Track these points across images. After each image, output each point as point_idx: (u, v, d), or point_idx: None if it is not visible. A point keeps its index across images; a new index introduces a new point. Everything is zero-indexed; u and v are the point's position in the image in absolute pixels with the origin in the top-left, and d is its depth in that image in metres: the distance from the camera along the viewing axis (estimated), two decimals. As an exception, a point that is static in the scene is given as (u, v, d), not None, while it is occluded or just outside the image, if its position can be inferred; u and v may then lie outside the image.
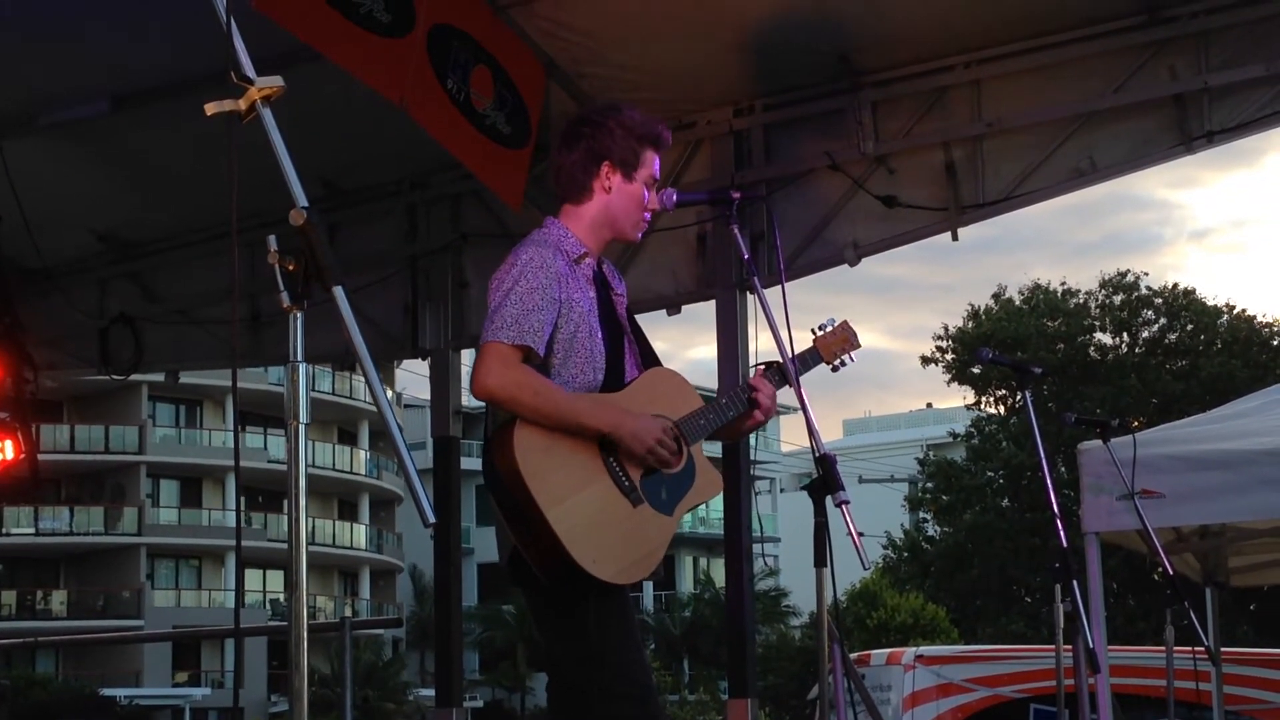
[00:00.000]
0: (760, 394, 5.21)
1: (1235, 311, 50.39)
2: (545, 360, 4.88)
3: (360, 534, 65.41)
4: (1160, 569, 8.11)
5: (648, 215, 5.21)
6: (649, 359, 5.23)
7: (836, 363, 5.56)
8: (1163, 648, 11.19)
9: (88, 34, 8.56)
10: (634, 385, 5.07)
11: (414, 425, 53.40)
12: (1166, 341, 50.36)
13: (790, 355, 5.23)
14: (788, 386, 5.34)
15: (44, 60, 8.85)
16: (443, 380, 10.46)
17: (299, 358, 3.17)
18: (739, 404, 5.21)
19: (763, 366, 5.36)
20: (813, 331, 5.54)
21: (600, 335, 5.01)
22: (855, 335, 5.60)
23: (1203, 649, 8.91)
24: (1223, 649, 12.56)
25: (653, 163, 5.18)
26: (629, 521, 4.82)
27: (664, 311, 9.80)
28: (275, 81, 3.21)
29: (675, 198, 5.31)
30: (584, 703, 4.85)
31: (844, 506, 4.97)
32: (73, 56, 8.81)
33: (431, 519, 3.12)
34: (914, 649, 19.85)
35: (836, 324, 5.58)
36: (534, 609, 4.99)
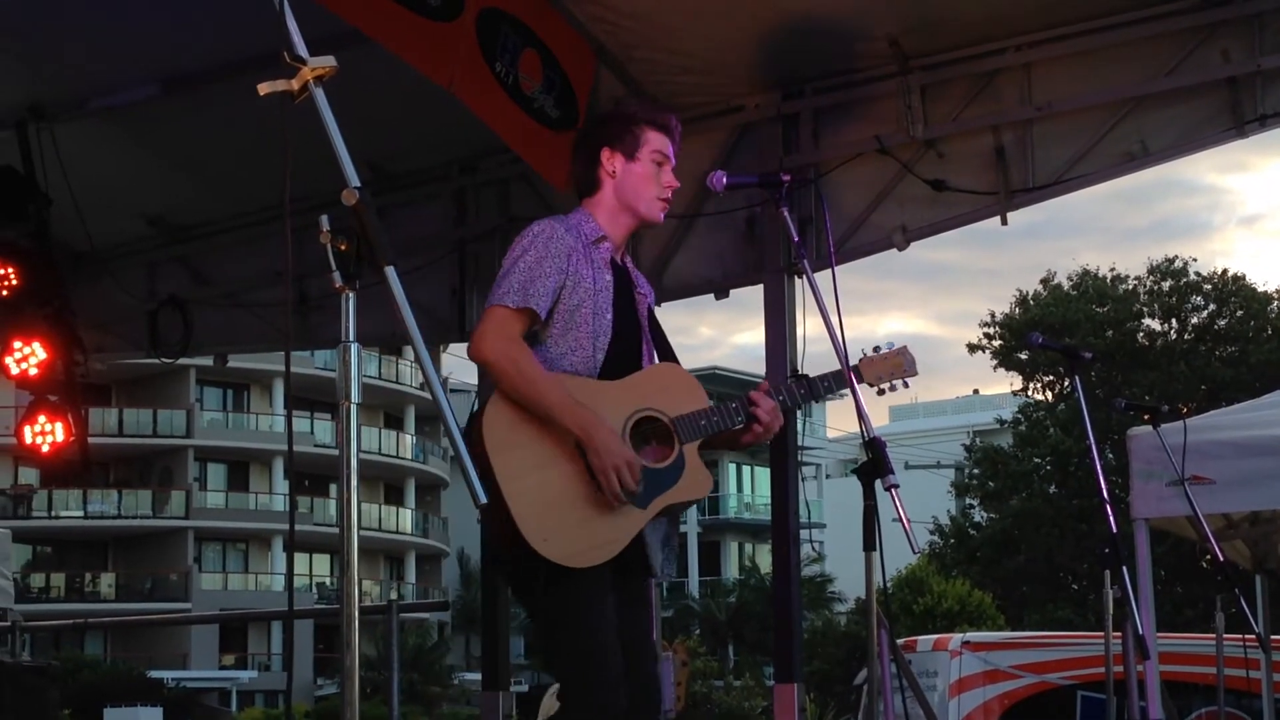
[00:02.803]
0: (759, 409, 5.13)
1: (1286, 298, 50.13)
2: (544, 328, 4.93)
3: (406, 518, 65.65)
4: (1209, 556, 8.08)
5: (667, 194, 5.22)
6: (668, 360, 5.25)
7: (884, 386, 5.44)
8: (1212, 635, 11.16)
9: (138, 17, 8.58)
10: (638, 376, 5.07)
11: (461, 410, 53.18)
12: (1216, 328, 50.10)
13: (841, 340, 5.20)
14: (814, 401, 5.33)
15: (95, 44, 8.89)
16: (490, 364, 10.46)
17: (351, 338, 3.18)
18: (735, 415, 5.13)
19: (790, 379, 5.33)
20: (862, 351, 5.46)
21: (610, 317, 5.03)
22: (913, 363, 5.48)
23: (1253, 636, 8.88)
24: (1273, 637, 12.50)
25: (658, 141, 5.20)
26: (592, 507, 4.79)
27: (711, 295, 9.80)
28: (328, 61, 3.22)
29: (725, 180, 5.31)
30: (563, 689, 4.89)
31: (894, 490, 4.94)
32: (123, 40, 8.83)
33: (483, 498, 3.13)
34: (961, 635, 19.80)
35: (894, 348, 5.49)
36: (514, 594, 5.06)
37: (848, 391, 5.25)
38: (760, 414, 5.12)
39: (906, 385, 5.48)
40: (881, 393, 5.46)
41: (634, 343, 5.12)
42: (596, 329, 4.99)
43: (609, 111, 5.37)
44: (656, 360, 5.20)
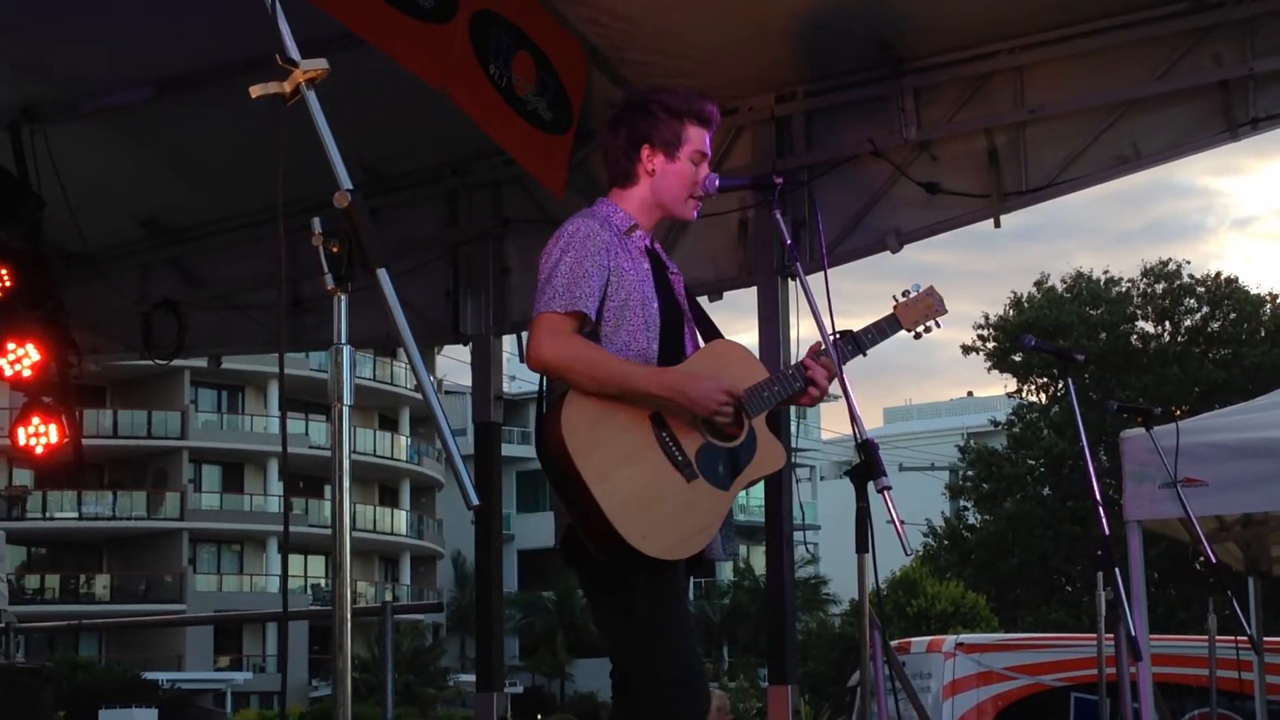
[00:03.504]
0: (814, 373, 5.14)
1: (1278, 300, 50.14)
2: (596, 328, 4.89)
3: (401, 520, 65.59)
4: (1202, 558, 8.08)
5: (700, 191, 5.19)
6: (711, 336, 5.22)
7: (920, 329, 5.49)
8: (1205, 637, 11.16)
9: (131, 19, 8.58)
10: (696, 357, 5.07)
11: (455, 411, 53.48)
12: (1209, 330, 50.14)
13: (834, 342, 5.19)
14: (862, 355, 5.32)
15: (87, 46, 8.89)
16: (484, 366, 10.48)
17: (343, 340, 3.18)
18: (794, 381, 5.14)
19: (835, 337, 5.24)
20: (894, 298, 5.50)
21: (656, 305, 5.01)
22: (941, 301, 5.54)
23: (1245, 638, 8.89)
24: (1265, 638, 12.50)
25: (699, 139, 5.18)
26: (681, 496, 4.79)
27: (705, 298, 9.79)
28: (320, 64, 3.22)
29: (718, 183, 5.30)
30: (631, 686, 4.83)
31: (886, 492, 4.94)
32: (116, 42, 8.84)
33: (475, 501, 3.13)
34: (954, 637, 19.81)
35: (921, 289, 5.52)
36: (586, 589, 5.00)
37: (841, 395, 5.24)
38: (816, 376, 5.14)
39: (939, 325, 5.53)
40: (918, 336, 5.50)
41: (678, 325, 5.11)
42: (647, 319, 4.97)
43: (651, 99, 5.24)
44: (700, 339, 5.19)
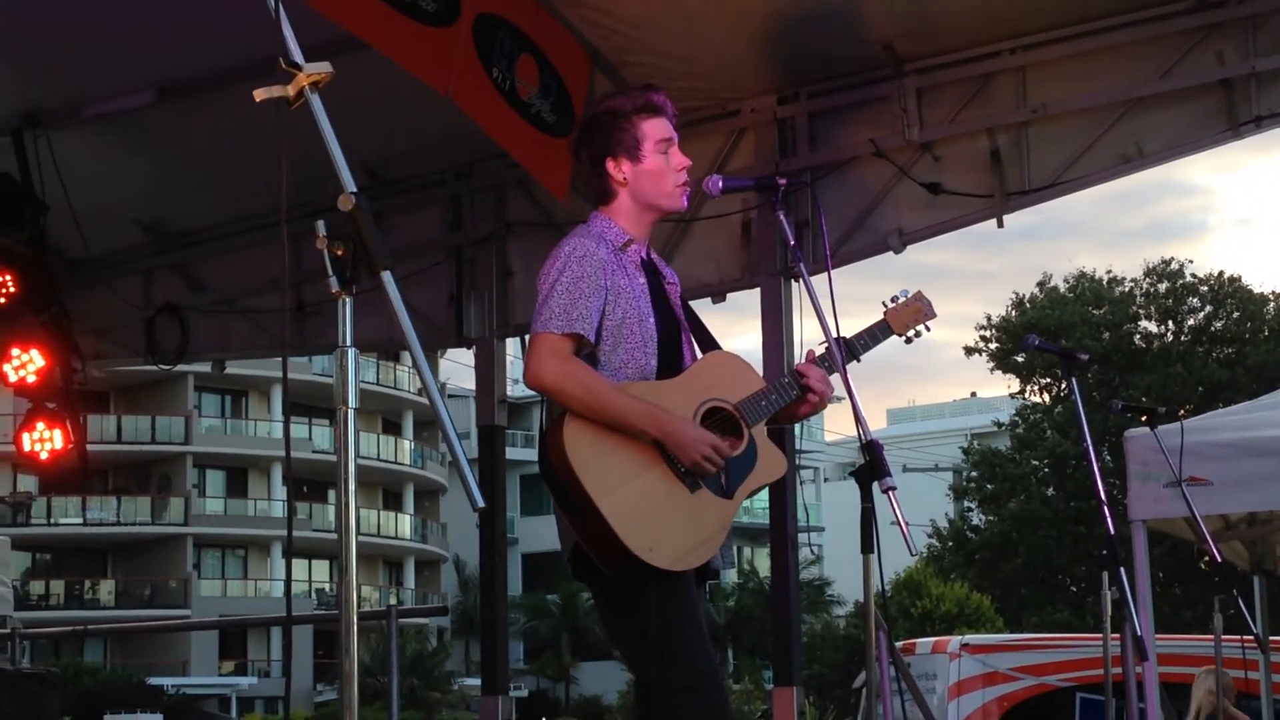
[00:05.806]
0: (810, 379, 5.13)
1: (1281, 299, 50.18)
2: (594, 349, 4.88)
3: (405, 524, 65.61)
4: (1207, 557, 8.08)
5: (684, 177, 5.15)
6: (707, 345, 5.21)
7: (910, 334, 5.52)
8: (1210, 636, 11.16)
9: (133, 25, 8.59)
10: (693, 369, 5.06)
11: (458, 415, 53.40)
12: (1212, 329, 50.16)
13: (836, 341, 5.19)
14: (856, 361, 5.32)
15: (90, 52, 8.89)
16: (488, 369, 10.47)
17: (348, 343, 3.17)
18: (791, 390, 5.13)
19: (822, 348, 5.23)
20: (883, 304, 5.51)
21: (652, 320, 5.00)
22: (930, 305, 5.55)
23: (1251, 637, 8.88)
24: (1271, 637, 12.49)
25: (656, 129, 5.11)
26: (686, 507, 4.79)
27: (709, 300, 9.80)
28: (324, 68, 3.22)
29: (721, 185, 5.29)
30: (648, 697, 4.81)
31: (891, 492, 4.93)
32: (119, 47, 8.85)
33: (480, 503, 3.12)
34: (959, 637, 19.78)
35: (910, 294, 5.54)
36: (598, 602, 4.99)
37: (844, 396, 5.24)
38: (812, 384, 5.13)
39: (929, 329, 5.55)
40: (909, 340, 5.52)
41: (675, 338, 5.10)
42: (644, 336, 4.96)
43: (598, 114, 5.22)
44: (697, 349, 5.18)
